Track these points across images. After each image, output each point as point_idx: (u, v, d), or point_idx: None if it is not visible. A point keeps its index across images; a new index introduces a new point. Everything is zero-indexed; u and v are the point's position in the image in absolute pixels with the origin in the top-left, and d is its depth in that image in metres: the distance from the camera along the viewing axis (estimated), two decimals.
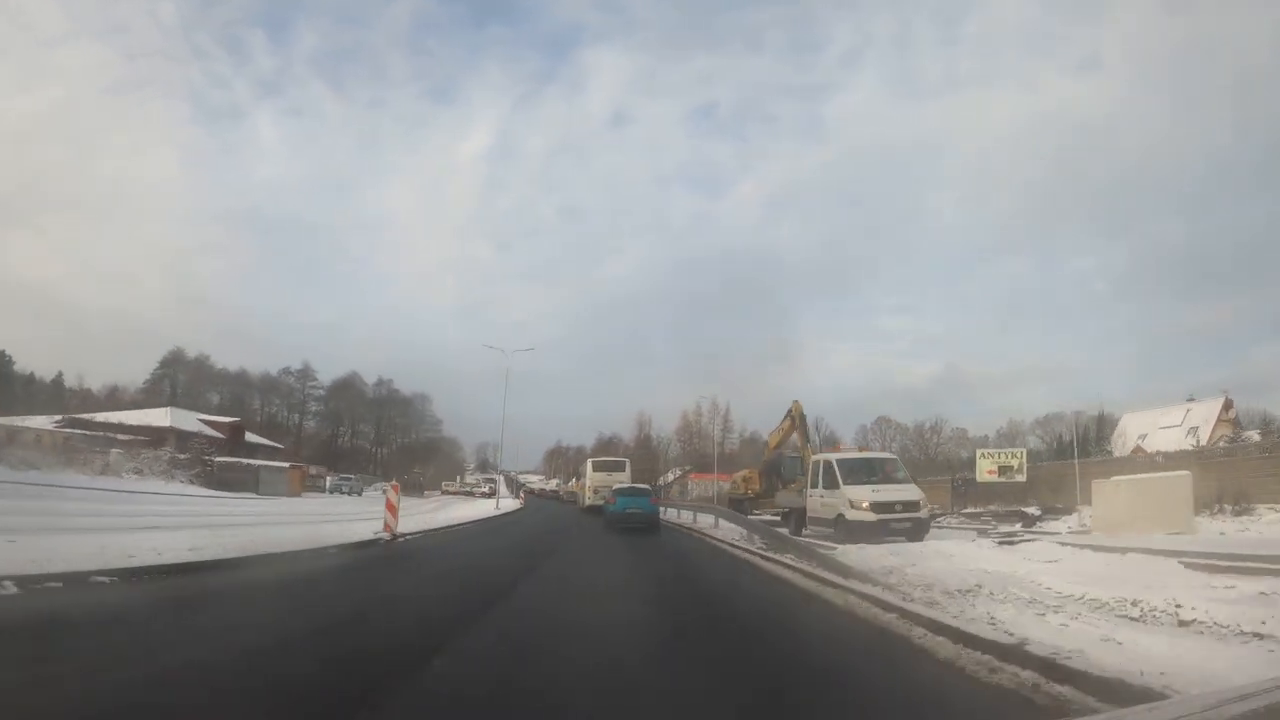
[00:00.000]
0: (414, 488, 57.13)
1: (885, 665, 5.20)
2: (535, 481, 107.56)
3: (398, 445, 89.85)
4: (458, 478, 74.06)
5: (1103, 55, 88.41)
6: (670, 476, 76.95)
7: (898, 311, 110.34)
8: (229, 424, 47.82)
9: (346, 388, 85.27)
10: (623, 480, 30.90)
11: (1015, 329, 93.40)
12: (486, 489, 74.52)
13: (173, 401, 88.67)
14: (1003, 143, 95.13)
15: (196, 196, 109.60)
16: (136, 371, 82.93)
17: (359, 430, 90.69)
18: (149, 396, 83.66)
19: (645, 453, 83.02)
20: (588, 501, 34.32)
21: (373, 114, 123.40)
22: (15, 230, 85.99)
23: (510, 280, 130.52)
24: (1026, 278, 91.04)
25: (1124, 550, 9.55)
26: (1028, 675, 4.24)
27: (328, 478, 48.77)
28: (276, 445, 52.93)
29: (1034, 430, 59.73)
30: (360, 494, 47.77)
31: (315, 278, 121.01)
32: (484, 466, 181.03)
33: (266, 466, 36.69)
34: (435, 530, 17.76)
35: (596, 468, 37.67)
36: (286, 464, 39.03)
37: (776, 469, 27.06)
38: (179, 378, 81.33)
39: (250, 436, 50.72)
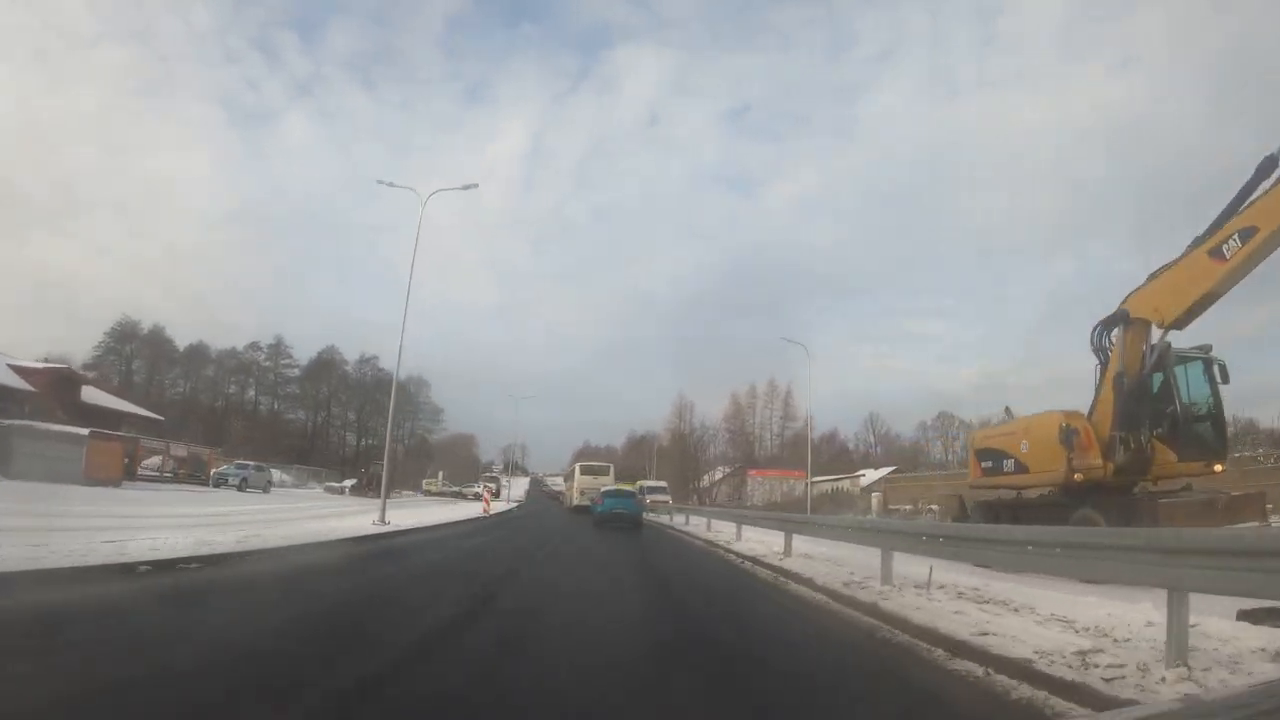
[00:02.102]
0: (372, 486, 39.27)
1: None
2: (561, 483, 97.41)
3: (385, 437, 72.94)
4: (439, 474, 56.81)
5: (1141, 53, 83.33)
6: (718, 474, 58.72)
7: (933, 315, 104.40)
8: (45, 370, 31.12)
9: (325, 368, 68.86)
10: (607, 483, 32.10)
11: (1054, 332, 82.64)
12: (479, 489, 56.73)
13: (126, 381, 73.63)
14: (1038, 142, 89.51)
15: (226, 197, 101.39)
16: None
17: (342, 418, 74.11)
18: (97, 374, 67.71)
19: (681, 450, 65.49)
20: (575, 502, 34.87)
21: (405, 115, 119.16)
22: (46, 231, 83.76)
23: (542, 281, 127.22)
24: (1065, 281, 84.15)
25: None
26: None
27: (218, 466, 31.81)
28: (149, 414, 36.33)
29: None
30: (265, 490, 30.44)
31: (346, 278, 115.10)
32: (510, 469, 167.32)
33: (30, 430, 19.76)
34: None
35: (583, 471, 38.86)
36: (86, 431, 21.95)
37: (1163, 399, 8.92)
38: (127, 351, 65.63)
39: (103, 397, 34.05)
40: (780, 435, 62.05)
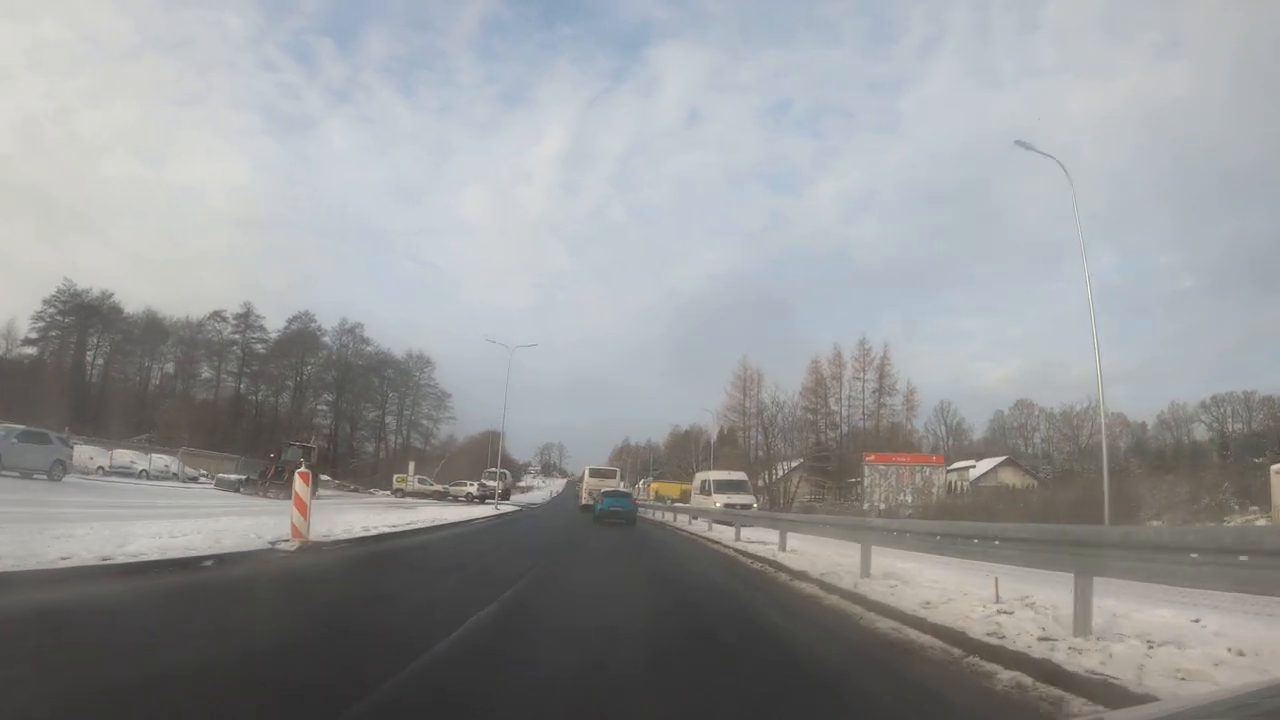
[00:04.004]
0: (285, 479, 24.44)
1: None
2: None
3: (379, 424, 59.93)
4: (410, 465, 42.96)
5: (1185, 38, 77.41)
6: (789, 465, 43.51)
7: (975, 311, 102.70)
8: None
9: (299, 342, 56.17)
10: (612, 485, 35.30)
11: (1099, 328, 66.80)
12: (473, 489, 42.36)
13: (77, 360, 62.23)
14: (1084, 133, 79.85)
15: (266, 204, 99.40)
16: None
17: (338, 405, 61.30)
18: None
19: (731, 448, 51.25)
20: (583, 501, 36.69)
21: (443, 119, 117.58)
22: (87, 238, 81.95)
23: (581, 282, 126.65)
24: (1105, 274, 73.39)
25: None
26: None
27: None
28: None
29: (1199, 415, 49.98)
30: (53, 476, 16.38)
31: (385, 282, 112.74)
32: (547, 469, 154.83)
33: None
34: None
35: (592, 474, 41.03)
36: None
37: None
38: (68, 323, 54.34)
39: None
40: (875, 414, 46.40)
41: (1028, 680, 3.90)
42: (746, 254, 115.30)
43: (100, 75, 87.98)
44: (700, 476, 34.63)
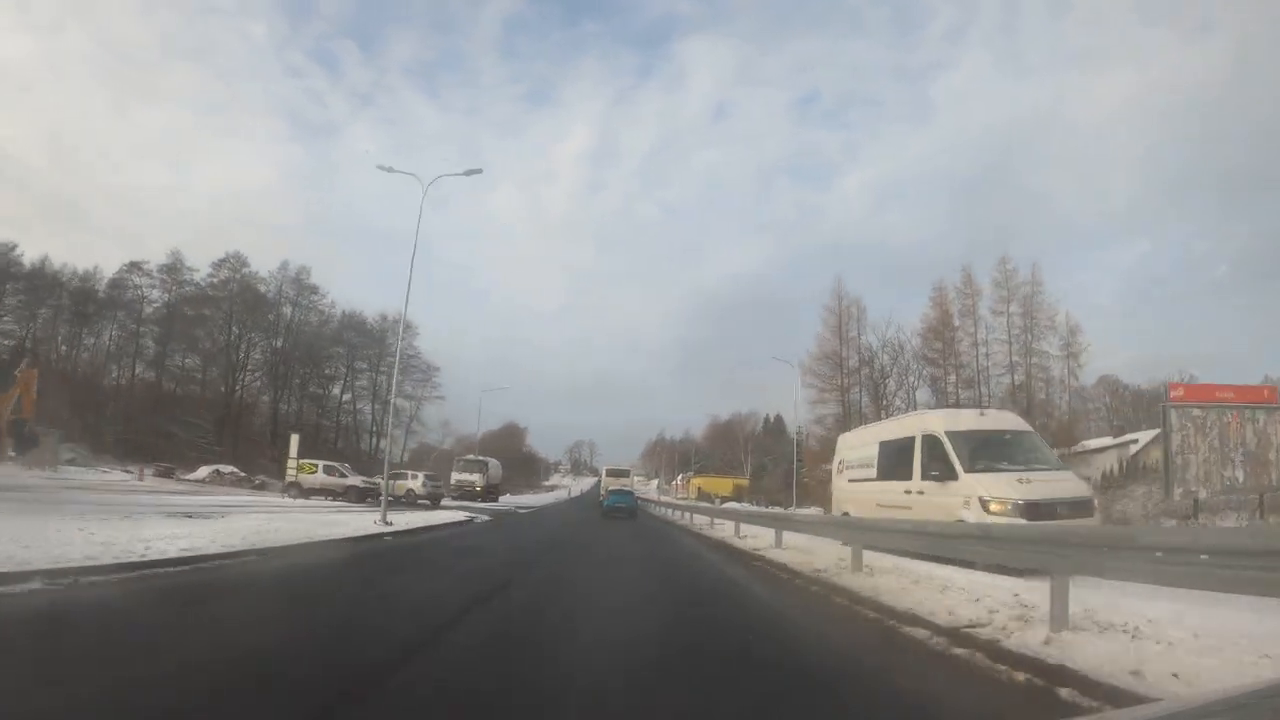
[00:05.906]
0: None
1: None
2: (619, 482, 76.37)
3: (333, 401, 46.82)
4: (293, 440, 28.90)
5: (1219, 17, 70.04)
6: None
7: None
8: None
9: (229, 295, 43.30)
10: (625, 483, 43.94)
11: (1131, 317, 73.61)
12: (416, 484, 27.72)
13: None
14: (1117, 119, 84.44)
15: (291, 209, 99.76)
16: None
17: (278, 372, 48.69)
18: None
19: (778, 439, 49.13)
20: (601, 497, 39.91)
21: (467, 120, 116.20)
22: (116, 247, 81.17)
23: (610, 281, 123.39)
24: (1142, 263, 77.22)
25: None
26: None
27: None
28: None
29: None
30: None
31: (398, 284, 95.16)
32: (577, 468, 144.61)
33: None
34: None
35: (608, 474, 50.61)
36: None
37: None
38: None
39: None
40: (1024, 364, 30.94)
41: None
42: (777, 249, 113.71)
43: (126, 84, 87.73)
44: (896, 429, 12.63)
